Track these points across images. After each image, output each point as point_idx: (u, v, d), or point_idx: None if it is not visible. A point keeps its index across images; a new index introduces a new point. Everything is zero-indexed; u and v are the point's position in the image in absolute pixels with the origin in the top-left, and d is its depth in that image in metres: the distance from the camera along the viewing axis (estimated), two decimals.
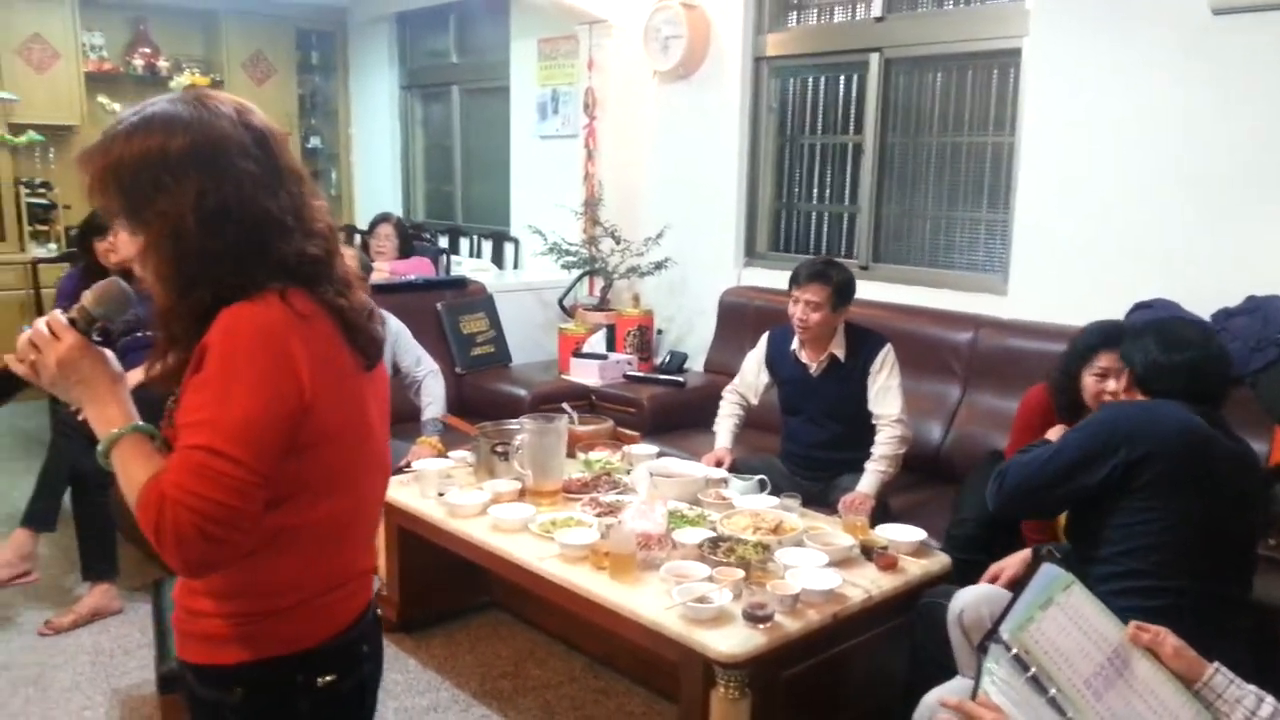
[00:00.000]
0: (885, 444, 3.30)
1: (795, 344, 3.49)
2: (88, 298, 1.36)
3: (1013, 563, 2.51)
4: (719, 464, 3.43)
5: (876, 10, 4.34)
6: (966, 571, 2.74)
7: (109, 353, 1.36)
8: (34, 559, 3.44)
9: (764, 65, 4.82)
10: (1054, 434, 2.57)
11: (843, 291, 3.37)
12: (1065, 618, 1.73)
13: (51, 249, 6.34)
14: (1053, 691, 1.65)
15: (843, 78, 4.58)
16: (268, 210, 1.28)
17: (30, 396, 5.14)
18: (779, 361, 3.57)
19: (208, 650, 1.35)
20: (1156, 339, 2.29)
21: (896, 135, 4.41)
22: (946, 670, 2.32)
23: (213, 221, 1.25)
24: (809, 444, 3.51)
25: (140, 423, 1.30)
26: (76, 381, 1.31)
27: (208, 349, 1.22)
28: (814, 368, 3.46)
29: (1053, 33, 3.69)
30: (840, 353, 3.42)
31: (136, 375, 1.37)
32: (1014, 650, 1.66)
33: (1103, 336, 2.70)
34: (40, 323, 1.33)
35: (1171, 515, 2.13)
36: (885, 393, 3.36)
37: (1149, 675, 1.72)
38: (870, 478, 3.26)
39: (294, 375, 1.24)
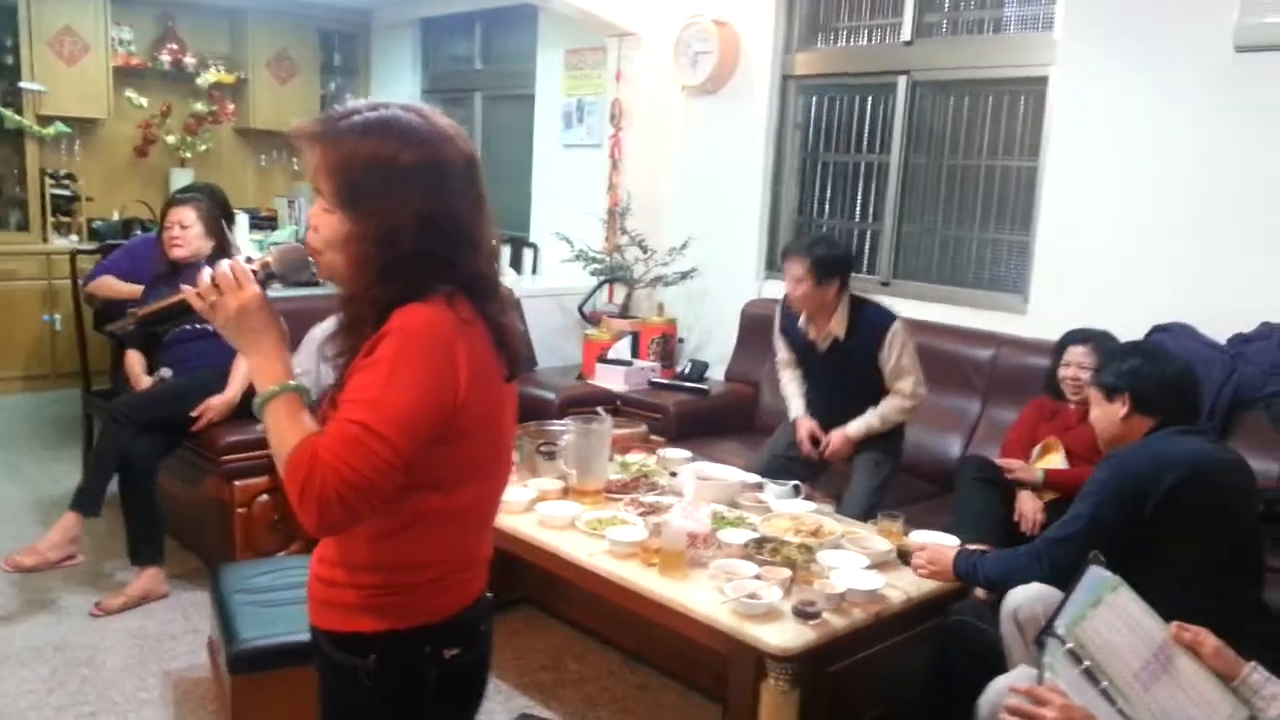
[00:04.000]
0: (888, 405, 3.49)
1: (803, 318, 3.60)
2: (273, 256, 1.47)
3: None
4: (811, 434, 3.60)
5: (905, 35, 4.48)
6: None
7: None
8: (80, 542, 3.52)
9: (791, 83, 4.96)
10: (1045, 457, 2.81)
11: (824, 265, 3.40)
12: (1114, 616, 1.86)
13: (73, 240, 6.39)
14: (1104, 683, 1.78)
15: (870, 98, 4.72)
16: (467, 228, 1.41)
17: (64, 385, 5.23)
18: (791, 330, 3.70)
19: (344, 618, 1.46)
20: (1144, 359, 2.44)
21: (920, 156, 4.55)
22: (975, 682, 2.43)
23: (424, 228, 1.37)
24: (823, 413, 3.65)
25: (298, 383, 1.41)
26: (249, 330, 1.42)
27: (383, 337, 1.34)
28: (820, 344, 3.56)
29: (1079, 63, 3.84)
30: (840, 332, 3.49)
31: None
32: (1069, 644, 1.79)
33: (1068, 336, 3.35)
34: (225, 265, 1.42)
35: (1205, 539, 2.26)
36: (899, 373, 3.47)
37: (1191, 671, 1.85)
38: (857, 423, 3.48)
39: (454, 374, 1.35)
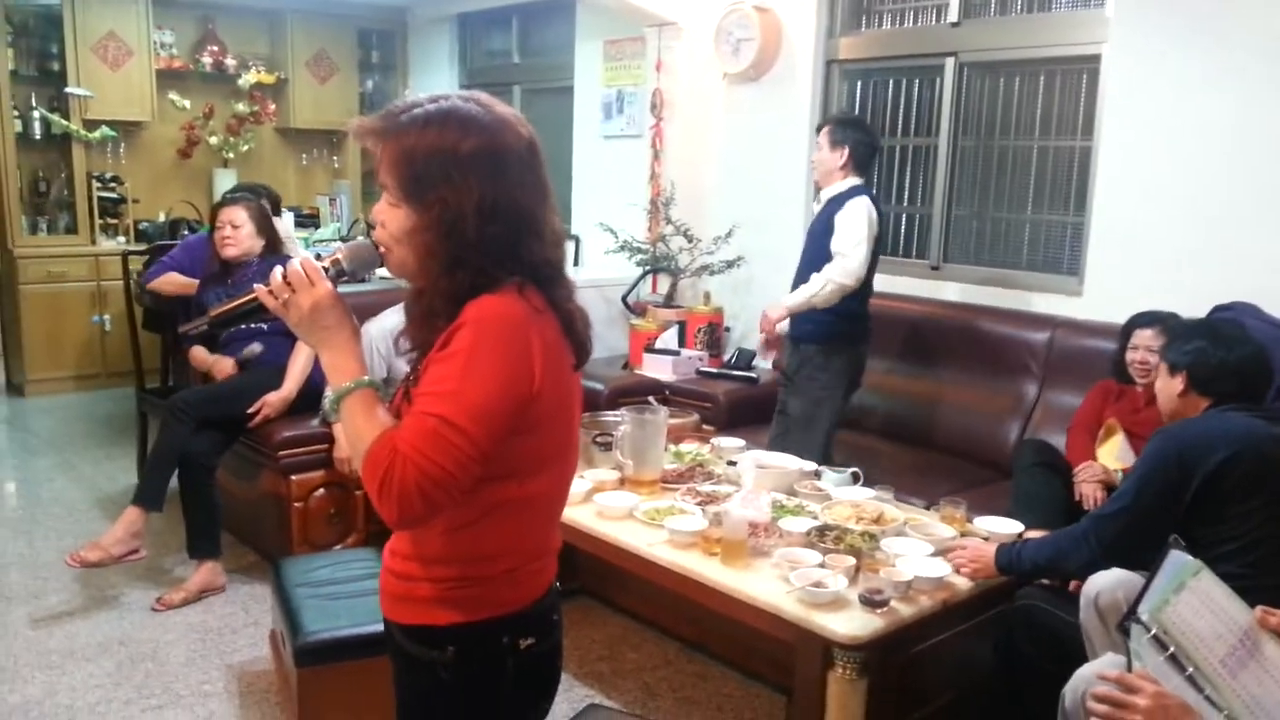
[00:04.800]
0: (819, 277, 3.57)
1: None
2: (343, 253, 1.47)
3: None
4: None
5: (953, 16, 4.41)
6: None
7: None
8: (143, 537, 3.57)
9: (835, 68, 4.91)
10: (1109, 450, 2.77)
11: (835, 134, 3.63)
12: (1198, 601, 1.81)
13: (120, 242, 6.47)
14: (1190, 670, 1.73)
15: (918, 81, 4.65)
16: (531, 215, 1.40)
17: (115, 383, 5.31)
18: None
19: (421, 612, 1.45)
20: (1209, 341, 2.40)
21: (970, 138, 4.48)
22: (1045, 666, 2.40)
23: (486, 216, 1.36)
24: (794, 288, 3.76)
25: (372, 378, 1.40)
26: (322, 327, 1.41)
27: (459, 329, 1.33)
28: (815, 214, 3.76)
29: (1133, 40, 3.76)
30: (828, 196, 3.66)
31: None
32: (1153, 630, 1.74)
33: (1135, 318, 3.26)
34: (296, 263, 1.42)
35: (1256, 514, 2.22)
36: (840, 237, 3.55)
37: (1278, 657, 1.80)
38: (792, 295, 3.65)
39: (529, 365, 1.35)
